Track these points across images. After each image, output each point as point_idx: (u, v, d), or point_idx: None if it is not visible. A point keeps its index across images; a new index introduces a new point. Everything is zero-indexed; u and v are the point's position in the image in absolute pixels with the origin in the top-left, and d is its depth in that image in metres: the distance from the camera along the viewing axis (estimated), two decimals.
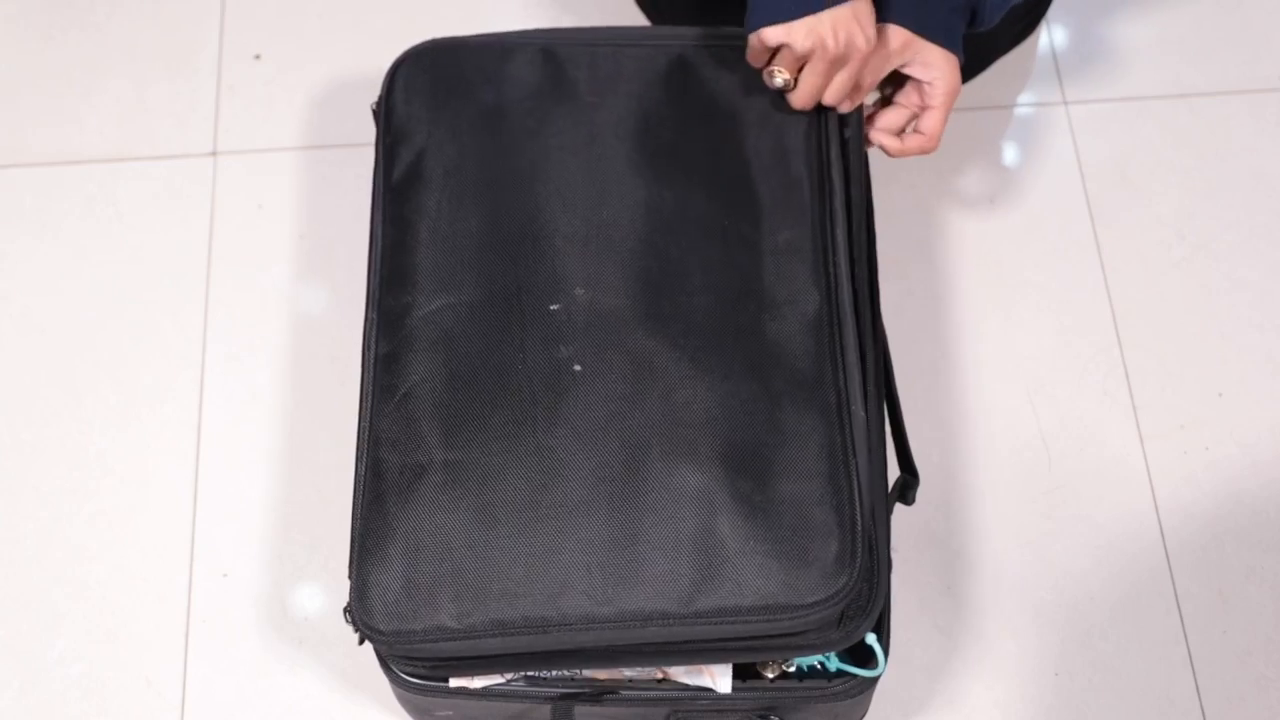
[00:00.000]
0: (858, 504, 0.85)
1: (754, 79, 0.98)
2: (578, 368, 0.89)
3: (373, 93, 1.32)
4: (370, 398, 0.93)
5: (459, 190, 0.97)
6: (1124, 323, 1.20)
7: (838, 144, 0.98)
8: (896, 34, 0.97)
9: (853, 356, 0.90)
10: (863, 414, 0.88)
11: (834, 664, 0.90)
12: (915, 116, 1.02)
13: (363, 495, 0.89)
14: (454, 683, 0.91)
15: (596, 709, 0.93)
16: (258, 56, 1.35)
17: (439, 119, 1.00)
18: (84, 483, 1.16)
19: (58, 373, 1.21)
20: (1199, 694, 1.07)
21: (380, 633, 0.85)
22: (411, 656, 0.88)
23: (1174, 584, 1.10)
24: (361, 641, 0.88)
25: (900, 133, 1.03)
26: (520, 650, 0.85)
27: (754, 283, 0.93)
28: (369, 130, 1.30)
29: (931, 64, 0.99)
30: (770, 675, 0.91)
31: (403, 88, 1.02)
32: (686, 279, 0.92)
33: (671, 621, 0.83)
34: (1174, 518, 1.13)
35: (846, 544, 0.83)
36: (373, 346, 0.94)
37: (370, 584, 0.86)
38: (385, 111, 1.02)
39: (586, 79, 1.00)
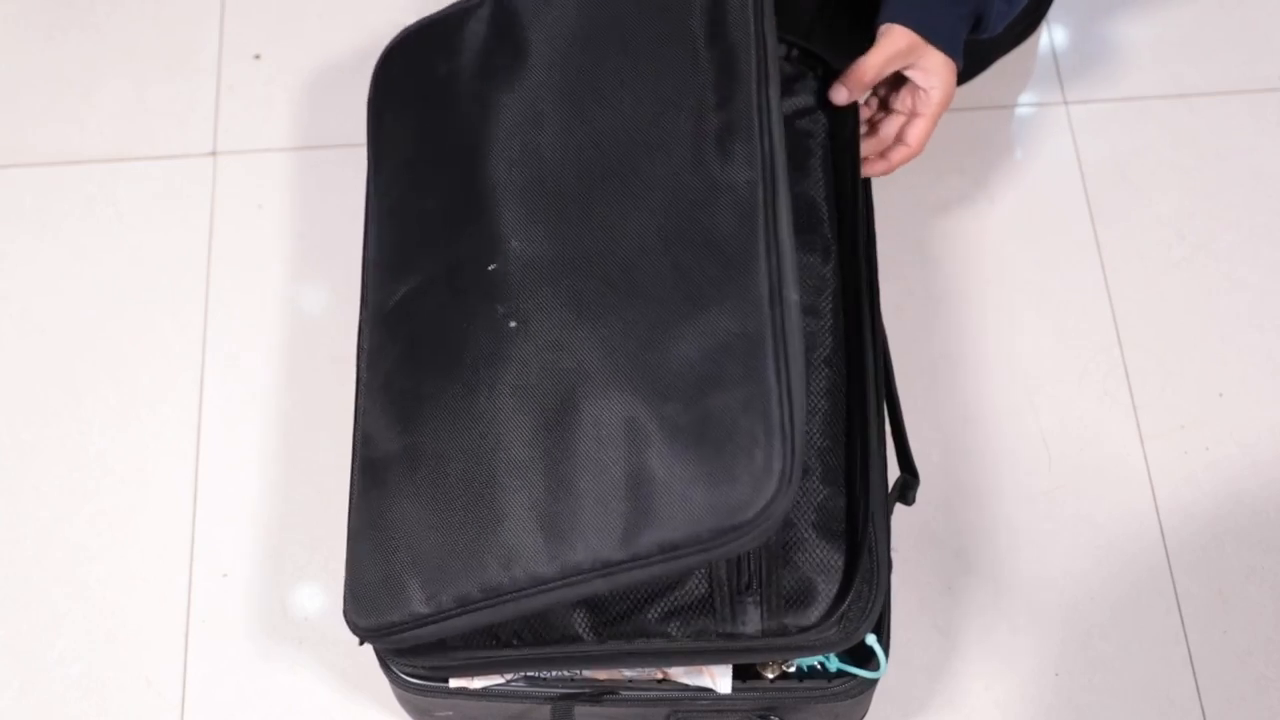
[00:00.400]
0: (785, 400, 0.77)
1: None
2: (513, 324, 0.86)
3: None
4: (361, 395, 0.93)
5: (415, 173, 0.96)
6: (1124, 323, 1.20)
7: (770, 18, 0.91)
8: (903, 35, 0.96)
9: (786, 234, 0.82)
10: (795, 297, 0.80)
11: (834, 664, 0.90)
12: (904, 123, 1.01)
13: (352, 491, 0.90)
14: (454, 683, 0.91)
15: (596, 709, 0.92)
16: (258, 56, 1.35)
17: (400, 104, 0.99)
18: (84, 483, 1.16)
19: (58, 373, 1.21)
20: (1199, 694, 1.07)
21: (363, 629, 0.85)
22: (400, 650, 0.87)
23: (1174, 584, 1.10)
24: (362, 642, 0.88)
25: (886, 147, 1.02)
26: (484, 624, 0.83)
27: (685, 179, 0.86)
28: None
29: (932, 70, 0.98)
30: (770, 675, 0.91)
31: (380, 82, 1.02)
32: (621, 201, 0.87)
33: (613, 569, 0.79)
34: (1174, 518, 1.13)
35: (774, 447, 0.76)
36: (363, 342, 0.95)
37: (351, 581, 0.86)
38: (372, 109, 1.02)
39: (533, 26, 0.95)
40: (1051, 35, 1.33)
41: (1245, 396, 1.17)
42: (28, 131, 1.31)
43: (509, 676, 0.90)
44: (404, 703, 0.98)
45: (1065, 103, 1.29)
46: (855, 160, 0.98)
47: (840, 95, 0.98)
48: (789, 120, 0.99)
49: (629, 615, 0.87)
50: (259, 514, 1.15)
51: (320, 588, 1.12)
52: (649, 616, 0.87)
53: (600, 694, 0.91)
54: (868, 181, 1.00)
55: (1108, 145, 1.27)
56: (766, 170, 0.84)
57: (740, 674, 0.91)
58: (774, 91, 0.87)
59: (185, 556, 1.13)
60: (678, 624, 0.86)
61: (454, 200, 0.93)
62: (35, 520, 1.15)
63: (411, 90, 1.00)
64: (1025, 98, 1.30)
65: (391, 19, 1.35)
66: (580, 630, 0.87)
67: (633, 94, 0.90)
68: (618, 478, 0.80)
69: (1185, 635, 1.09)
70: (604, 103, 0.91)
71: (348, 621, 0.86)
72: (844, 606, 0.85)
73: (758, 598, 0.86)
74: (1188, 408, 1.17)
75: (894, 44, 0.96)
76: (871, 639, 0.89)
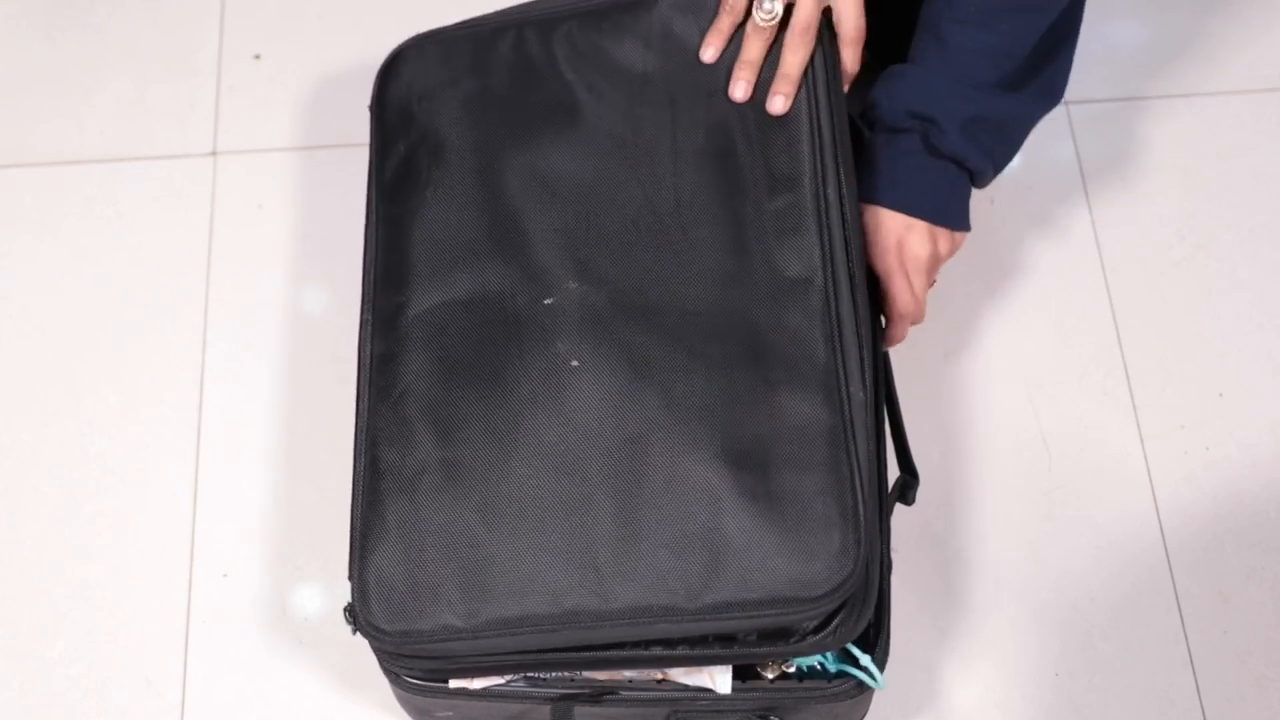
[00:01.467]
0: (859, 492, 0.83)
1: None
2: (575, 363, 0.88)
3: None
4: (367, 398, 0.93)
5: (448, 186, 0.96)
6: (1124, 323, 1.20)
7: (826, 104, 0.94)
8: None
9: (849, 333, 0.88)
10: (861, 395, 0.86)
11: (834, 665, 0.90)
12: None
13: (362, 495, 0.89)
14: (454, 684, 0.91)
15: (596, 709, 0.92)
16: (258, 56, 1.35)
17: (426, 114, 0.99)
18: (84, 483, 1.16)
19: (58, 373, 1.21)
20: (1199, 694, 1.07)
21: (385, 632, 0.85)
22: (418, 656, 0.87)
23: (1174, 584, 1.10)
24: (372, 640, 0.87)
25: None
26: (529, 648, 0.85)
27: (749, 260, 0.90)
28: (368, 130, 1.30)
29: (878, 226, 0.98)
30: (770, 676, 0.91)
31: (392, 86, 1.02)
32: (680, 264, 0.91)
33: (679, 617, 0.82)
34: (1174, 518, 1.13)
35: (849, 534, 0.82)
36: (368, 346, 0.94)
37: (372, 584, 0.86)
38: (377, 111, 1.02)
39: (568, 57, 0.98)
40: None
41: (1245, 396, 1.17)
42: (28, 131, 1.32)
43: (509, 677, 0.90)
44: (404, 703, 0.98)
45: (1065, 102, 1.29)
46: (842, 123, 0.95)
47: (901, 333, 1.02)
48: None
49: None
50: (259, 514, 1.15)
51: (320, 588, 1.12)
52: None
53: (600, 694, 0.91)
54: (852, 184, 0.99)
55: (1108, 145, 1.27)
56: (827, 266, 0.89)
57: (740, 674, 0.91)
58: (831, 188, 0.91)
59: (185, 556, 1.13)
60: None
61: (495, 223, 0.94)
62: (35, 520, 1.15)
63: (434, 98, 1.00)
64: None
65: (392, 19, 1.35)
66: None
67: (688, 161, 0.94)
68: (690, 530, 0.83)
69: (1185, 635, 1.09)
70: (658, 164, 0.94)
71: (356, 620, 0.86)
72: (838, 616, 0.85)
73: None
74: (1188, 408, 1.17)
75: (878, 234, 0.98)
76: (866, 659, 0.89)
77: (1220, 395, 1.17)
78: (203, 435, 1.18)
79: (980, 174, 0.99)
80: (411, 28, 1.39)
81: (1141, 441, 1.15)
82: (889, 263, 0.98)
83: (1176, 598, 1.10)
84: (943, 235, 0.99)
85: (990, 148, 0.98)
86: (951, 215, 0.99)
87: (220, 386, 1.20)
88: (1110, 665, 1.08)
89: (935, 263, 1.00)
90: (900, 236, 0.98)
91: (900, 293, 0.98)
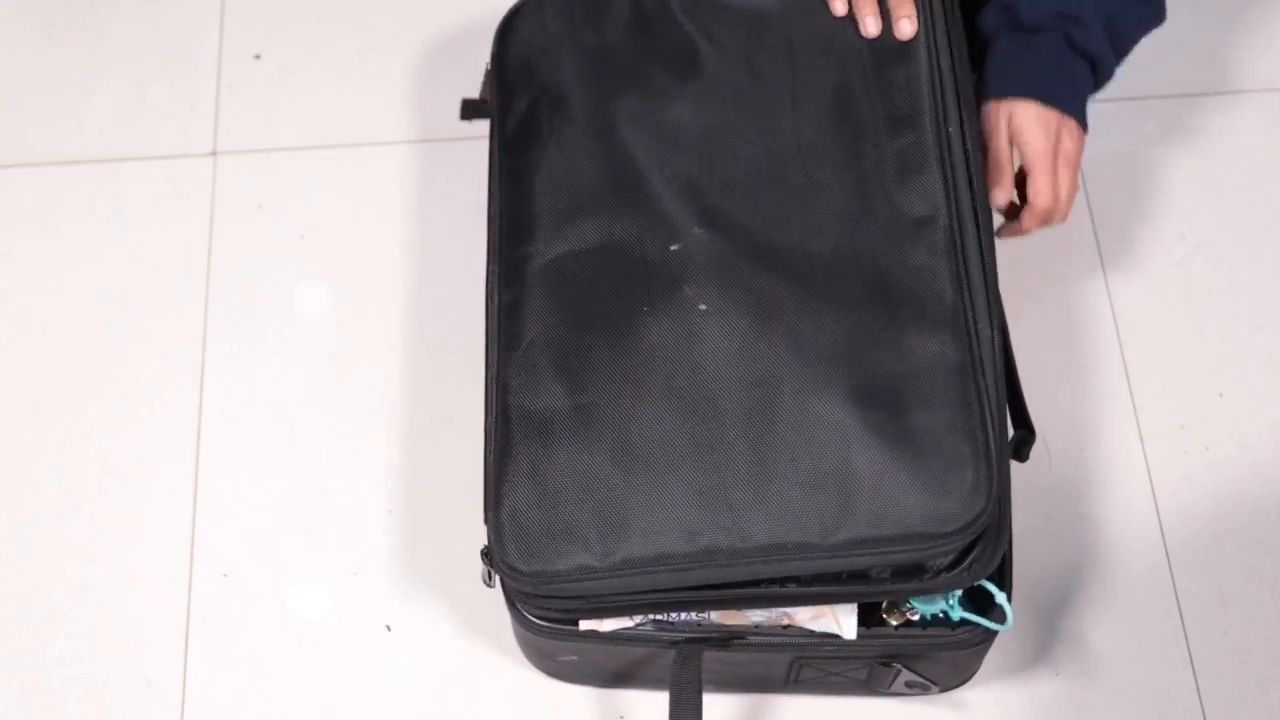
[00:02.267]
0: (990, 428, 0.84)
1: None
2: (703, 307, 0.90)
3: (373, 92, 1.32)
4: (496, 346, 0.94)
5: (570, 137, 0.97)
6: (1124, 323, 1.20)
7: (944, 40, 0.96)
8: (988, 109, 0.99)
9: (975, 271, 0.89)
10: (989, 332, 0.87)
11: (957, 613, 0.91)
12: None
13: (495, 441, 0.90)
14: (583, 625, 0.92)
15: (722, 654, 0.93)
16: (258, 56, 1.35)
17: (546, 68, 1.01)
18: (84, 483, 1.16)
19: (58, 373, 1.21)
20: (1199, 694, 1.07)
21: (521, 573, 0.86)
22: (554, 596, 0.88)
23: (1174, 584, 1.10)
24: (492, 582, 0.90)
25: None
26: (664, 586, 0.86)
27: (871, 202, 0.92)
28: (369, 130, 1.30)
29: (1023, 126, 0.98)
30: (894, 623, 0.92)
31: (512, 41, 1.03)
32: (804, 208, 0.92)
33: (813, 554, 0.83)
34: (1174, 518, 1.13)
35: (981, 470, 0.83)
36: (495, 297, 0.95)
37: (508, 525, 0.87)
38: (497, 66, 1.03)
39: (684, 7, 0.99)
40: None
41: (1245, 396, 1.17)
42: (28, 131, 1.31)
43: (637, 620, 0.92)
44: (527, 645, 1.00)
45: None
46: (968, 89, 0.97)
47: (1002, 198, 0.99)
48: None
49: None
50: (259, 514, 1.15)
51: (320, 587, 1.12)
52: None
53: (728, 639, 0.92)
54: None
55: (1108, 145, 1.27)
56: (951, 204, 0.91)
57: (864, 621, 0.92)
58: (953, 125, 0.92)
59: (185, 556, 1.13)
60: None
61: (619, 173, 0.95)
62: (35, 520, 1.15)
63: (553, 52, 1.01)
64: None
65: (392, 18, 1.35)
66: None
67: (809, 106, 0.95)
68: (823, 469, 0.84)
69: (1185, 635, 1.09)
70: (778, 110, 0.95)
71: (500, 564, 0.87)
72: (975, 552, 0.86)
73: None
74: (1188, 408, 1.17)
75: (993, 120, 0.98)
76: (1001, 598, 0.90)
77: (1220, 395, 1.17)
78: (203, 435, 1.18)
79: (1106, 75, 1.01)
80: (412, 27, 1.39)
81: (1141, 441, 1.15)
82: (1037, 153, 0.98)
83: (1176, 598, 1.10)
84: (1080, 133, 1.00)
85: (1118, 50, 1.01)
86: (1085, 114, 1.00)
87: (220, 386, 1.20)
88: (1110, 665, 1.08)
89: (1079, 159, 1.00)
90: (1055, 131, 0.98)
91: (1048, 186, 0.98)
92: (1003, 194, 0.99)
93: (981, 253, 0.90)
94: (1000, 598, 0.90)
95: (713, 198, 0.93)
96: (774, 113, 0.95)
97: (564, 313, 0.92)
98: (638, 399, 0.88)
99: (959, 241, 0.90)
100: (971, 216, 0.91)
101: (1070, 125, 0.99)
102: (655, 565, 0.85)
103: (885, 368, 0.87)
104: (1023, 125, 0.98)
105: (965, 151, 0.92)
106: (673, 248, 0.92)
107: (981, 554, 0.85)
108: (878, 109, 0.94)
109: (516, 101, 1.01)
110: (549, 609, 0.91)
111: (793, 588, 0.87)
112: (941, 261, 0.89)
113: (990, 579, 0.91)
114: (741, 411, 0.87)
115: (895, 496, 0.83)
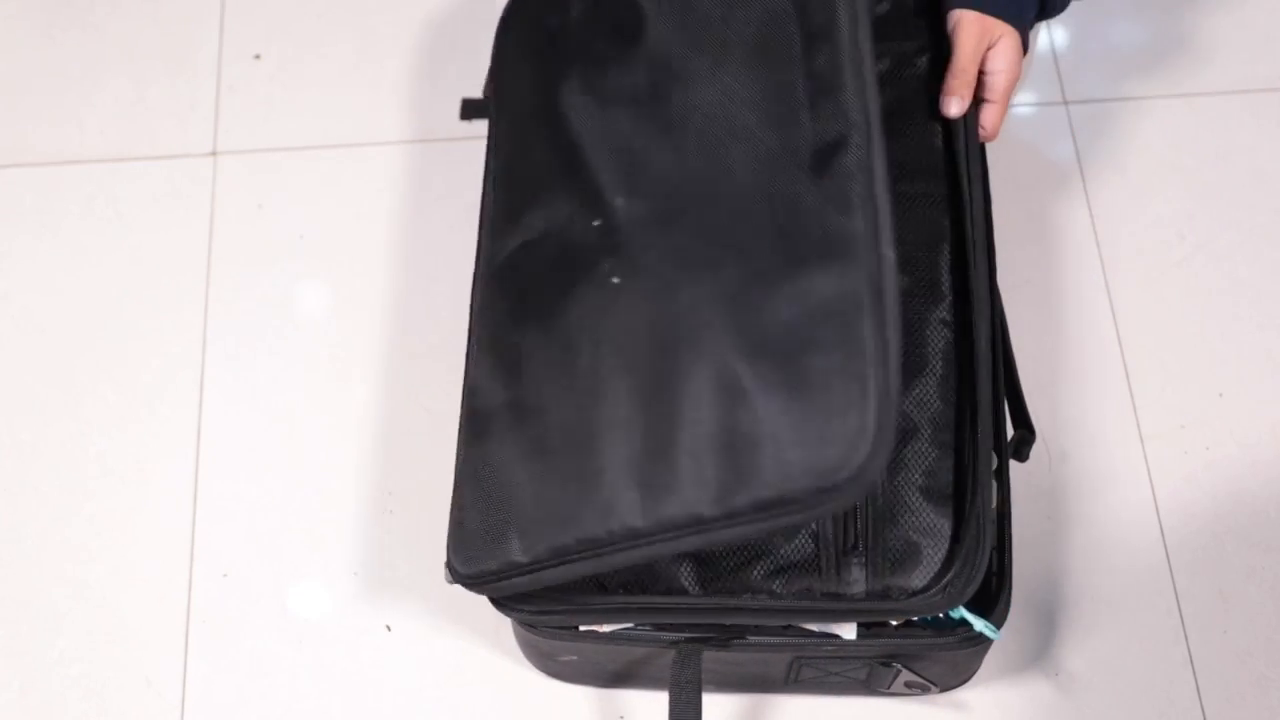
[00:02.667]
0: (884, 364, 0.76)
1: None
2: (615, 280, 0.87)
3: (373, 92, 1.32)
4: (468, 351, 0.94)
5: (522, 130, 0.97)
6: (1124, 323, 1.20)
7: None
8: (975, 20, 0.97)
9: (882, 189, 0.81)
10: (891, 254, 0.79)
11: (957, 613, 0.90)
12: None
13: (459, 448, 0.91)
14: (583, 626, 0.92)
15: (721, 654, 0.93)
16: (258, 56, 1.35)
17: (514, 59, 1.01)
18: (84, 483, 1.16)
19: (58, 373, 1.21)
20: (1199, 694, 1.07)
21: (464, 576, 0.87)
22: (502, 597, 0.88)
23: (1174, 584, 1.10)
24: (470, 587, 0.89)
25: None
26: (579, 575, 0.84)
27: (787, 134, 0.86)
28: (369, 130, 1.30)
29: (999, 53, 0.97)
30: (894, 622, 0.92)
31: (500, 38, 1.03)
32: (723, 155, 0.87)
33: (707, 526, 0.79)
34: (1174, 518, 1.12)
35: (868, 414, 0.75)
36: (472, 300, 0.96)
37: (454, 531, 0.88)
38: (496, 66, 1.04)
39: None
40: (1051, 35, 1.33)
41: (1245, 396, 1.17)
42: (28, 131, 1.31)
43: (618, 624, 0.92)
44: (527, 645, 1.00)
45: (1065, 103, 1.29)
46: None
47: (954, 107, 0.97)
48: (898, 67, 1.00)
49: (734, 571, 0.88)
50: (259, 514, 1.15)
51: (320, 587, 1.12)
52: (754, 573, 0.88)
53: (727, 639, 0.92)
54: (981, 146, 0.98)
55: (1108, 145, 1.27)
56: (863, 121, 0.83)
57: (865, 621, 0.92)
58: (865, 40, 0.86)
59: (185, 556, 1.13)
60: (782, 582, 0.88)
61: (559, 156, 0.94)
62: (35, 520, 1.15)
63: (524, 44, 1.01)
64: (1025, 97, 1.30)
65: (392, 18, 1.35)
66: (686, 583, 0.88)
67: (738, 50, 0.90)
68: (713, 434, 0.79)
69: (1185, 635, 1.09)
70: (708, 59, 0.91)
71: (450, 569, 0.88)
72: (950, 574, 0.85)
73: (863, 559, 0.87)
74: (1188, 408, 1.17)
75: (971, 31, 0.96)
76: (979, 624, 0.89)
77: (1220, 395, 1.17)
78: (203, 435, 1.18)
79: (1057, 4, 1.01)
80: (411, 27, 1.39)
81: (1141, 441, 1.15)
82: (963, 53, 0.97)
83: (1176, 597, 1.10)
84: (1017, 47, 0.99)
85: None
86: (1026, 31, 1.00)
87: (220, 386, 1.20)
88: (1110, 665, 1.08)
89: (1013, 74, 0.99)
90: (1000, 42, 0.98)
91: (963, 86, 0.97)
92: (959, 104, 0.97)
93: (888, 171, 0.82)
94: (979, 625, 0.89)
95: (639, 165, 0.90)
96: (704, 62, 0.91)
97: (508, 308, 0.92)
98: (561, 387, 0.86)
99: (869, 162, 0.82)
100: (880, 133, 0.83)
101: (1009, 38, 0.98)
102: (569, 555, 0.82)
103: (780, 316, 0.80)
104: (956, 29, 0.97)
105: (873, 65, 0.86)
106: (595, 223, 0.89)
107: (958, 575, 0.83)
108: (796, 33, 0.88)
109: (494, 102, 1.01)
110: (524, 610, 0.90)
111: (764, 599, 0.86)
112: (852, 184, 0.82)
113: (983, 592, 0.89)
114: (640, 385, 0.83)
115: (777, 454, 0.77)
